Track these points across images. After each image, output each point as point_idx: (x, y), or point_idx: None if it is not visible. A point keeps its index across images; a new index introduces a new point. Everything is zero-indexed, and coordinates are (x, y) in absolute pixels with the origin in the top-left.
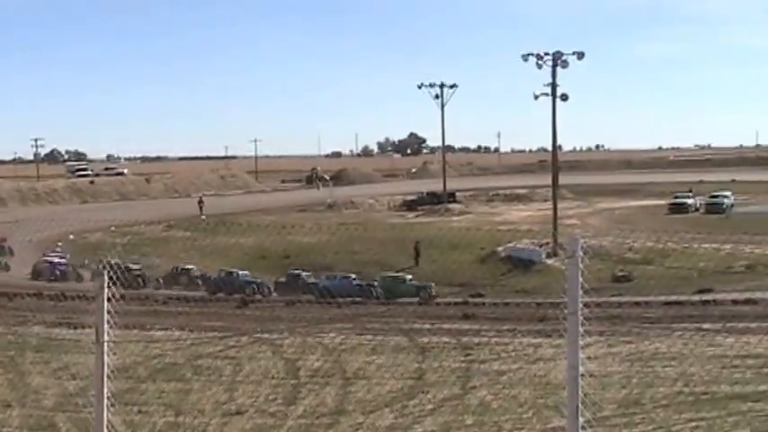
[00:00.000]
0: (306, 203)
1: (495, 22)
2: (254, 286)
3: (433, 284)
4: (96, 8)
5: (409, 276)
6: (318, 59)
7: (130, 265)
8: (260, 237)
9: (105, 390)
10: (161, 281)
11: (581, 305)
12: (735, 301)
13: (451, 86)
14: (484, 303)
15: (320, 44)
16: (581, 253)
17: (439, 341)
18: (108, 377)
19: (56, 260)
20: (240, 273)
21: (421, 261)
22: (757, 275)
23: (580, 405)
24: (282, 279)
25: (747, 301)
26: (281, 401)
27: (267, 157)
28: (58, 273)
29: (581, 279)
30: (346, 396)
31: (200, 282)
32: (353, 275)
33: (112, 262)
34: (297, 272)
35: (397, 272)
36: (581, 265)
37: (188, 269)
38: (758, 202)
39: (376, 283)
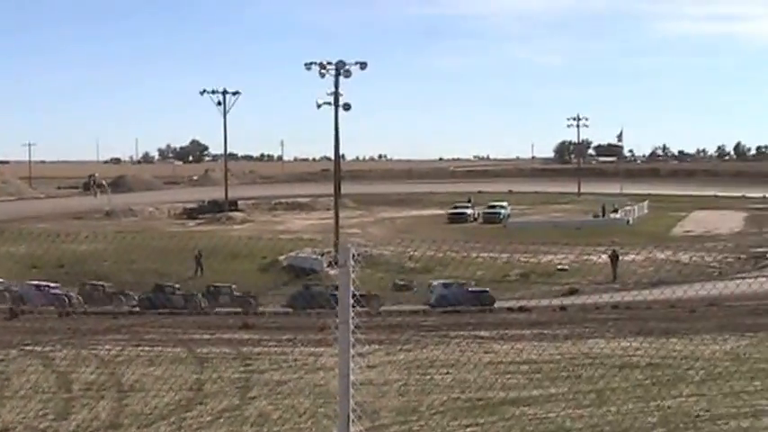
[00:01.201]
0: (83, 211)
1: (281, 31)
2: (66, 298)
3: (488, 290)
4: None
5: (473, 282)
6: (98, 63)
7: None
8: (32, 245)
9: None
10: None
11: (352, 314)
12: (510, 309)
13: (234, 93)
14: (264, 313)
15: (101, 48)
16: (352, 262)
17: (218, 351)
18: None
19: None
20: (51, 285)
21: (202, 270)
22: (531, 283)
23: (351, 414)
24: (148, 294)
25: (521, 309)
26: (53, 417)
27: (43, 162)
28: None
29: (352, 288)
30: (122, 409)
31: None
32: (464, 281)
33: None
34: (163, 284)
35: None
36: (353, 275)
37: None
38: (533, 213)
39: (488, 290)
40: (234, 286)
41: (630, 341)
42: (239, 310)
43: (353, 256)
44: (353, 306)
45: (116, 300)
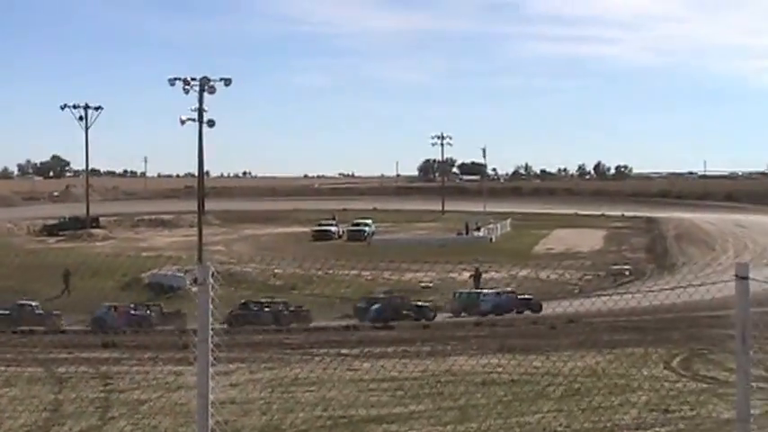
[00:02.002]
0: None
1: (144, 46)
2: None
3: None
4: None
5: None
6: None
7: None
8: None
9: None
10: None
11: (211, 332)
12: (374, 327)
13: (97, 108)
14: (125, 331)
15: None
16: (211, 280)
17: (77, 370)
18: None
19: None
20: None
21: (69, 289)
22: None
23: None
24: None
25: (385, 327)
26: None
27: None
28: None
29: (211, 306)
30: None
31: None
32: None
33: None
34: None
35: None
36: (212, 293)
37: None
38: (398, 230)
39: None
40: (36, 303)
41: (492, 358)
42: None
43: (213, 273)
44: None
45: None
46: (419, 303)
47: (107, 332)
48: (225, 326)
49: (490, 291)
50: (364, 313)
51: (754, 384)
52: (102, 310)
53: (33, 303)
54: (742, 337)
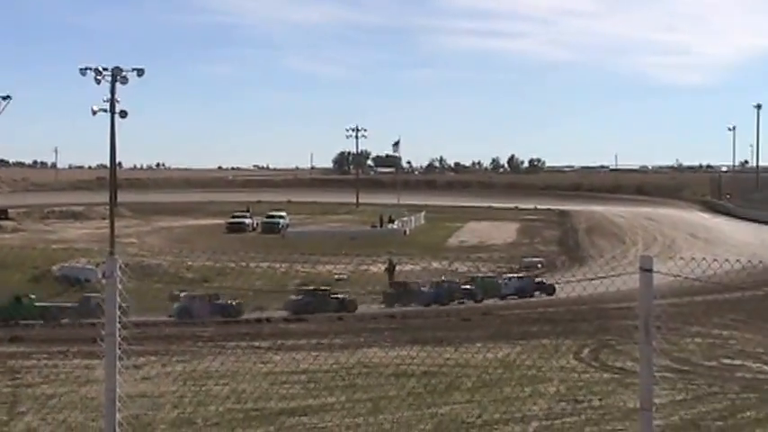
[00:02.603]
0: None
1: (55, 34)
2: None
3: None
4: None
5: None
6: None
7: None
8: None
9: None
10: None
11: (119, 326)
12: (286, 319)
13: (5, 98)
14: (34, 325)
15: None
16: (119, 273)
17: None
18: None
19: None
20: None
21: None
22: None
23: (118, 428)
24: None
25: (299, 319)
26: None
27: None
28: None
29: (118, 299)
30: None
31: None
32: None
33: None
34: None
35: None
36: (120, 286)
37: None
38: (312, 223)
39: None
40: None
41: (406, 350)
42: None
43: (120, 266)
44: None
45: None
46: (340, 296)
47: (194, 322)
48: None
49: (513, 275)
50: (295, 306)
51: (658, 374)
52: (185, 301)
53: None
54: (645, 328)
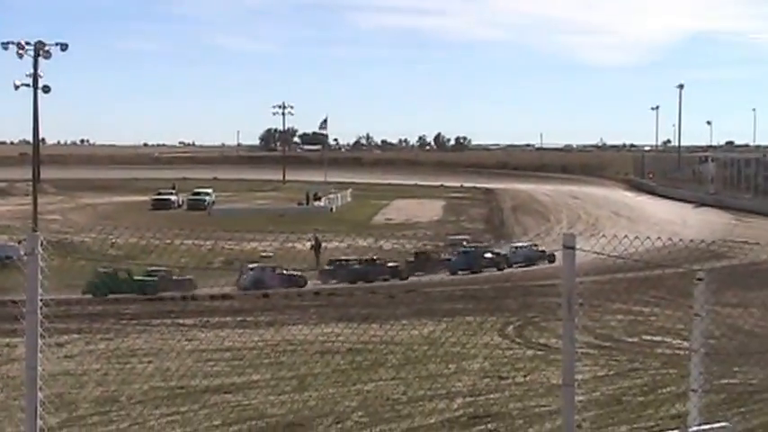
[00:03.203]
0: None
1: None
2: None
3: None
4: None
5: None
6: None
7: None
8: None
9: None
10: None
11: (41, 303)
12: (212, 297)
13: None
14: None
15: None
16: (41, 250)
17: None
18: None
19: None
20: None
21: None
22: (235, 270)
23: (39, 407)
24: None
25: (224, 297)
26: None
27: None
28: None
29: (41, 277)
30: None
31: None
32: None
33: None
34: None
35: None
36: (42, 263)
37: None
38: (238, 200)
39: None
40: None
41: (332, 327)
42: None
43: (42, 243)
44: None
45: None
46: (292, 272)
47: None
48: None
49: (522, 244)
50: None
51: (581, 351)
52: (258, 272)
53: None
54: (568, 305)
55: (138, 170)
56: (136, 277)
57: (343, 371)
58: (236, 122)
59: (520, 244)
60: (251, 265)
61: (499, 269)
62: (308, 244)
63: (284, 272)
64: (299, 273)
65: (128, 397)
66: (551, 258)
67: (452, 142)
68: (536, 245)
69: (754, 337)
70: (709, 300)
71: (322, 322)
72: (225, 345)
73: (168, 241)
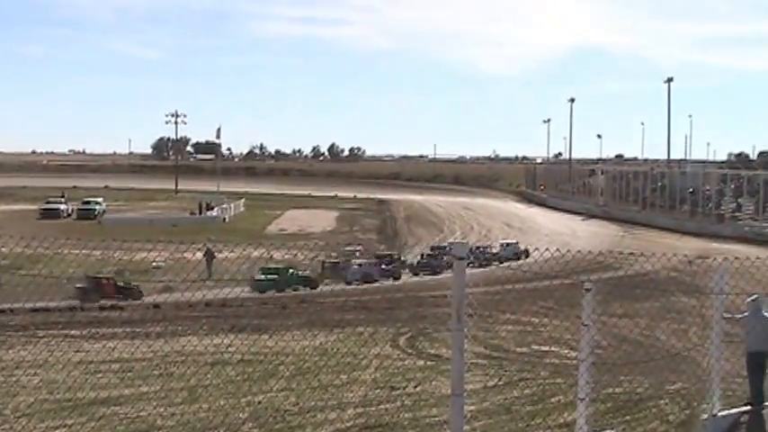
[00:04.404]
0: None
1: None
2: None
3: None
4: None
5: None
6: None
7: None
8: None
9: None
10: None
11: None
12: (102, 308)
13: None
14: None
15: None
16: None
17: None
18: None
19: None
20: None
21: None
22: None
23: None
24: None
25: (113, 307)
26: None
27: None
28: None
29: None
30: None
31: None
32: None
33: None
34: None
35: None
36: None
37: None
38: (129, 209)
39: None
40: None
41: (223, 338)
42: None
43: None
44: None
45: None
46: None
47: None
48: None
49: (505, 241)
50: None
51: (472, 361)
52: (365, 266)
53: None
54: (457, 315)
55: (26, 178)
56: None
57: (235, 382)
58: (128, 130)
59: (506, 241)
60: (358, 261)
61: (500, 263)
62: (200, 254)
63: (383, 266)
64: (395, 266)
65: (12, 410)
66: (527, 255)
67: (346, 153)
68: (517, 242)
69: (639, 347)
70: (597, 310)
71: (213, 333)
72: (114, 356)
73: (56, 251)
